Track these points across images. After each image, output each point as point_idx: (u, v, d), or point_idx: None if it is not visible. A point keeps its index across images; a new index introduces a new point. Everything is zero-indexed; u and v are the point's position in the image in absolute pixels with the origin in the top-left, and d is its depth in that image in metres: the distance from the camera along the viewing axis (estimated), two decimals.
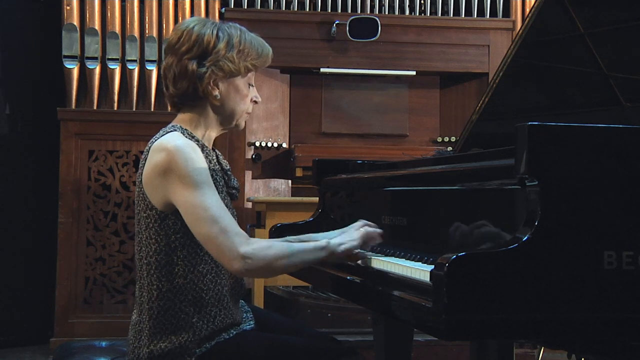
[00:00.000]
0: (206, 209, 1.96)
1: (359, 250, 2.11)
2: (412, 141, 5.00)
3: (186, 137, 2.08)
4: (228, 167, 2.24)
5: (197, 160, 2.02)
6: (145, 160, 2.07)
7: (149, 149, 2.07)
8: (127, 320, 2.20)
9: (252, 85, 2.21)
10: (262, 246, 1.97)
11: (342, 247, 2.06)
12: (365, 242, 2.13)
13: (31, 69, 4.89)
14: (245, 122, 2.25)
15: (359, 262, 2.11)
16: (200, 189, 1.98)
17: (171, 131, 2.09)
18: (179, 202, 1.99)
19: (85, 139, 4.63)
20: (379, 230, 2.17)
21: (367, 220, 2.29)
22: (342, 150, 4.82)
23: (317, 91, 4.98)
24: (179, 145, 2.01)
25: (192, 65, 2.10)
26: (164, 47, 2.23)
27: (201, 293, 2.06)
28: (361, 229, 2.14)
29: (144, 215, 2.06)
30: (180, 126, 2.13)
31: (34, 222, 4.83)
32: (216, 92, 2.13)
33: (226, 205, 2.07)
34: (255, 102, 2.22)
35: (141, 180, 2.07)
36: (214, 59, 2.10)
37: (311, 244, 2.04)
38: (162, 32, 4.75)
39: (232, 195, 2.20)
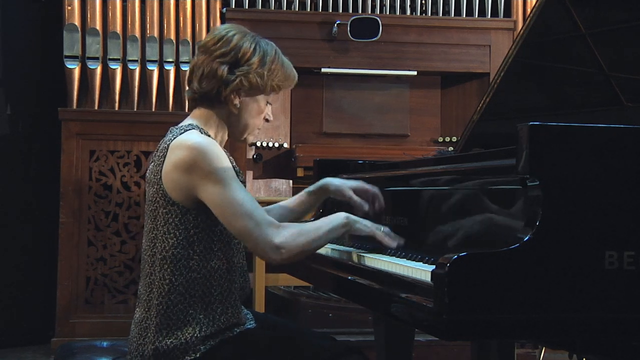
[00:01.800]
0: (241, 204, 2.03)
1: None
2: (413, 141, 5.00)
3: (203, 134, 2.12)
4: (234, 162, 2.28)
5: (221, 156, 2.07)
6: (164, 158, 2.09)
7: (167, 146, 2.10)
8: (129, 320, 2.20)
9: (270, 104, 2.26)
10: (293, 233, 2.06)
11: (358, 227, 2.17)
12: (383, 242, 2.18)
13: (32, 69, 4.89)
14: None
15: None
16: (230, 185, 2.04)
17: (189, 129, 2.12)
18: (209, 198, 2.04)
19: (87, 139, 4.63)
20: (394, 237, 2.20)
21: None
22: (343, 150, 4.82)
23: (318, 91, 4.98)
24: (201, 142, 2.06)
25: (223, 70, 2.14)
26: (199, 44, 2.25)
27: (210, 289, 2.09)
28: (377, 231, 2.19)
29: (164, 211, 2.09)
30: (197, 124, 2.16)
31: (34, 222, 4.83)
32: (237, 102, 2.17)
33: None
34: (267, 120, 2.28)
35: (160, 177, 2.09)
36: (245, 71, 2.15)
37: (334, 222, 2.14)
38: (163, 32, 4.75)
39: None
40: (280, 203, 2.46)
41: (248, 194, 2.07)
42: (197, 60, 2.19)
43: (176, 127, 2.17)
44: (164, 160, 2.09)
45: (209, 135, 2.15)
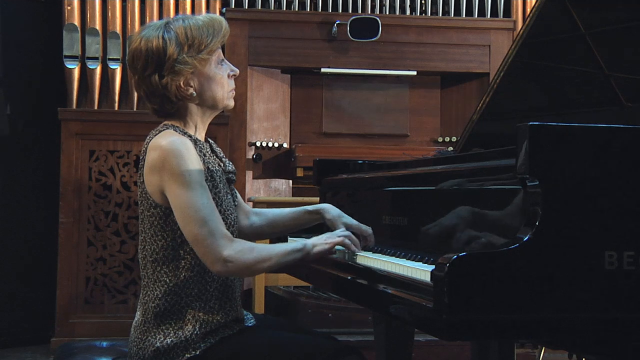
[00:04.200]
0: (197, 210, 2.01)
1: (337, 251, 2.19)
2: (413, 141, 5.00)
3: (179, 133, 2.11)
4: (222, 155, 2.28)
5: (190, 158, 2.05)
6: (144, 161, 2.10)
7: (146, 148, 2.11)
8: (128, 321, 2.21)
9: (223, 63, 2.18)
10: (244, 249, 2.03)
11: (315, 250, 2.12)
12: (343, 245, 2.16)
13: (32, 69, 4.89)
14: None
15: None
16: (192, 189, 2.02)
17: (164, 129, 2.13)
18: (171, 199, 2.04)
19: (86, 139, 4.63)
20: (355, 240, 2.18)
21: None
22: (343, 150, 4.82)
23: (318, 91, 4.98)
24: (171, 142, 2.05)
25: (155, 79, 2.10)
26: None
27: (206, 285, 2.09)
28: (337, 238, 2.16)
29: (148, 214, 2.10)
30: (172, 124, 2.16)
31: (34, 222, 4.83)
32: (190, 91, 2.13)
33: (224, 194, 2.15)
34: (234, 75, 2.21)
35: (143, 180, 2.10)
36: (169, 66, 2.09)
37: (289, 247, 2.11)
38: None
39: (230, 179, 2.24)
40: (279, 210, 2.45)
41: (210, 201, 2.05)
42: (134, 82, 2.16)
43: (155, 128, 2.17)
44: (144, 164, 2.10)
45: (186, 132, 2.14)
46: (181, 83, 2.10)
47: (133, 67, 2.13)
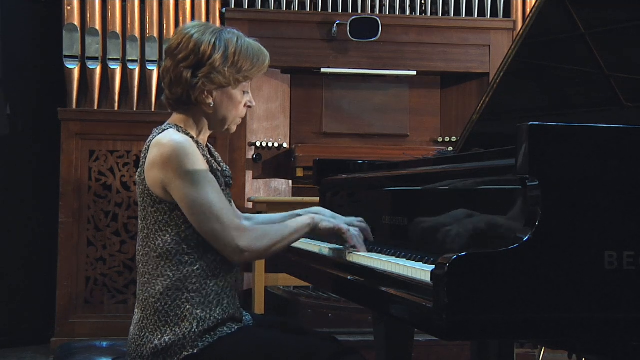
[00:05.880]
0: (209, 206, 2.05)
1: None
2: (413, 141, 5.00)
3: (181, 133, 2.14)
4: (220, 159, 2.32)
5: (195, 155, 2.08)
6: (145, 158, 2.12)
7: (148, 146, 2.13)
8: (128, 321, 2.21)
9: (247, 92, 2.24)
10: (258, 237, 2.11)
11: (322, 225, 2.20)
12: (345, 235, 2.19)
13: (32, 69, 4.89)
14: (244, 121, 2.29)
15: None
16: (200, 186, 2.05)
17: (167, 129, 2.15)
18: (179, 197, 2.06)
19: (86, 139, 4.63)
20: (360, 242, 2.21)
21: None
22: (343, 150, 4.82)
23: (318, 91, 4.98)
24: (175, 140, 2.08)
25: (187, 74, 2.14)
26: (165, 48, 2.24)
27: (206, 280, 2.11)
28: (344, 226, 2.20)
29: (152, 210, 2.11)
30: (175, 124, 2.18)
31: (34, 222, 4.83)
32: (210, 101, 2.17)
33: (225, 195, 2.17)
34: (249, 106, 2.27)
35: (144, 177, 2.11)
36: (207, 71, 2.14)
37: (299, 223, 2.19)
38: (163, 32, 4.75)
39: (227, 184, 2.27)
40: (270, 216, 2.50)
41: (218, 194, 2.09)
42: (164, 66, 2.20)
43: (157, 127, 2.19)
44: (145, 161, 2.12)
45: (188, 133, 2.16)
46: (206, 90, 2.15)
47: (172, 53, 2.17)
